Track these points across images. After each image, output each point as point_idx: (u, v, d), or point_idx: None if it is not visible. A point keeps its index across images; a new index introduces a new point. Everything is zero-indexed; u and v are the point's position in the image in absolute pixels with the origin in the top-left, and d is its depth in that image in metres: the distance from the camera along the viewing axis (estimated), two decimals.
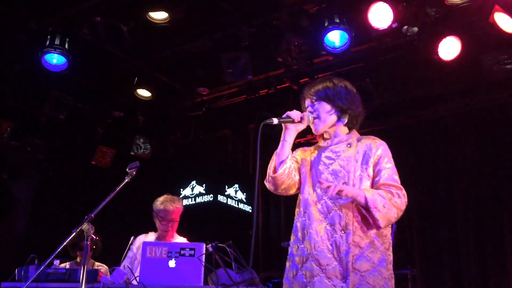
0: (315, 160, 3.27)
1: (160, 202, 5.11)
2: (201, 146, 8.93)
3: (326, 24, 5.90)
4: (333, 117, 3.26)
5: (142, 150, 8.31)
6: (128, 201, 7.74)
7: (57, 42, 6.31)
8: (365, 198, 2.97)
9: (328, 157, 3.22)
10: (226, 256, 3.77)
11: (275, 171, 3.19)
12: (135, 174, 3.66)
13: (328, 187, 2.97)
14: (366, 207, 2.98)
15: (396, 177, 3.15)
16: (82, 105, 7.68)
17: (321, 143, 3.35)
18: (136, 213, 8.41)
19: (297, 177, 3.27)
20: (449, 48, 5.95)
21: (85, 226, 3.38)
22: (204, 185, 8.19)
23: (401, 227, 6.75)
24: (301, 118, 3.19)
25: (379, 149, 3.19)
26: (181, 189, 8.53)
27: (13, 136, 7.73)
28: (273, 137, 3.56)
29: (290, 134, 3.21)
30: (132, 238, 4.94)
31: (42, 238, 7.47)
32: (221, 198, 8.05)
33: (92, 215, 3.42)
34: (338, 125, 3.29)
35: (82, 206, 4.92)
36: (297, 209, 3.27)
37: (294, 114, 3.18)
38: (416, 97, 6.88)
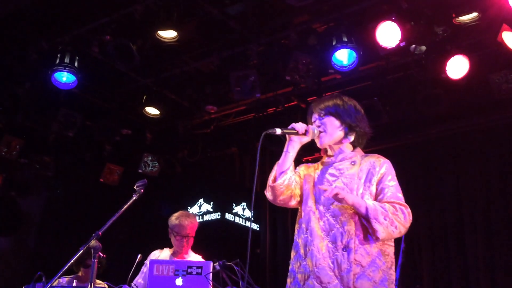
0: (318, 176, 3.27)
1: (175, 217, 5.15)
2: (209, 164, 8.93)
3: (334, 43, 5.92)
4: (340, 133, 3.27)
5: (150, 168, 8.33)
6: (135, 218, 7.74)
7: (67, 60, 6.37)
8: (366, 208, 2.96)
9: (331, 174, 3.22)
10: (233, 274, 3.75)
11: (274, 180, 3.18)
12: (142, 191, 3.66)
13: (336, 194, 2.96)
14: (367, 217, 2.97)
15: (400, 195, 3.13)
16: (90, 122, 7.72)
17: (325, 159, 3.35)
18: (143, 231, 8.41)
19: (298, 190, 3.26)
20: (457, 67, 5.95)
21: (92, 243, 3.38)
22: (211, 203, 8.19)
23: (409, 245, 6.71)
24: (306, 131, 3.19)
25: (383, 167, 3.18)
26: (189, 207, 8.53)
27: (22, 153, 7.78)
28: (275, 155, 3.54)
29: (293, 146, 3.20)
30: (139, 256, 4.93)
31: (50, 255, 7.47)
32: (228, 216, 8.04)
33: (100, 233, 3.42)
34: (344, 142, 3.30)
35: (90, 224, 4.91)
36: (297, 226, 3.26)
37: (299, 126, 3.18)
38: (424, 115, 6.87)
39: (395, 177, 3.18)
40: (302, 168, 3.39)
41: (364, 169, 3.18)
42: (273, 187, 3.17)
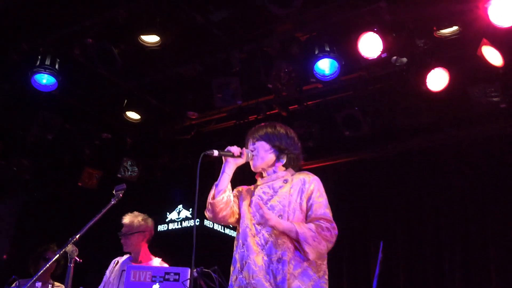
0: (254, 195, 3.50)
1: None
2: (189, 170, 8.89)
3: (316, 52, 5.95)
4: (271, 156, 3.52)
5: (129, 173, 8.28)
6: (113, 223, 7.67)
7: (47, 62, 6.30)
8: (297, 233, 3.18)
9: (265, 193, 3.46)
10: (211, 281, 3.74)
11: (213, 198, 3.42)
12: (121, 196, 3.65)
13: (267, 219, 3.19)
14: (297, 241, 3.20)
15: (328, 211, 3.37)
16: (70, 126, 7.65)
17: (259, 181, 3.59)
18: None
19: (235, 208, 3.51)
20: (437, 80, 6.01)
21: (69, 248, 3.35)
22: (190, 209, 8.16)
23: (387, 255, 6.75)
24: (241, 153, 3.45)
25: (312, 184, 3.42)
26: (168, 213, 8.49)
27: None
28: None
29: (229, 167, 3.49)
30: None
31: (26, 259, 7.38)
32: (207, 222, 8.01)
33: (77, 237, 3.40)
34: (277, 164, 3.54)
35: (67, 228, 4.88)
36: (235, 242, 3.51)
37: (234, 149, 3.47)
38: (404, 127, 6.92)
39: (324, 194, 3.43)
40: (239, 189, 3.64)
41: (295, 186, 3.42)
42: (212, 203, 3.41)
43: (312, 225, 3.23)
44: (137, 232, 5.10)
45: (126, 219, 5.15)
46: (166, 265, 5.15)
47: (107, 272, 5.11)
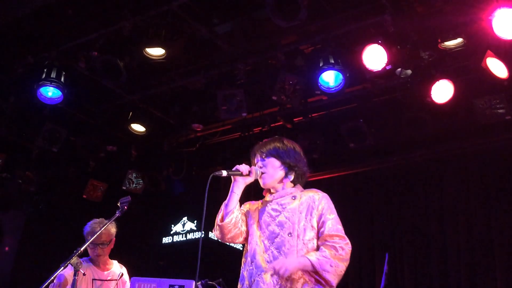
0: (262, 212, 3.46)
1: (89, 225, 4.98)
2: (194, 183, 8.90)
3: (321, 64, 5.95)
4: (281, 173, 3.47)
5: (134, 185, 8.28)
6: (118, 235, 7.66)
7: (53, 75, 6.33)
8: (312, 265, 3.15)
9: (274, 209, 3.41)
10: None
11: (222, 220, 3.37)
12: (126, 208, 3.65)
13: (275, 272, 3.13)
14: (316, 272, 3.16)
15: (340, 227, 3.34)
16: (75, 138, 7.66)
17: (268, 197, 3.54)
18: (125, 248, 8.33)
19: (244, 228, 3.45)
20: (442, 91, 6.01)
21: (73, 260, 3.35)
22: (195, 221, 8.14)
23: (392, 267, 6.72)
24: (249, 172, 3.40)
25: (322, 201, 3.38)
26: (172, 225, 8.47)
27: (4, 167, 7.69)
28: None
29: (238, 186, 3.42)
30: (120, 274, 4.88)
31: (31, 271, 7.37)
32: (212, 235, 7.97)
33: (81, 250, 3.40)
34: (285, 181, 3.49)
35: (72, 240, 4.86)
36: (243, 259, 3.45)
37: (243, 167, 3.40)
38: (409, 138, 6.92)
39: (334, 210, 3.39)
40: (247, 206, 3.59)
41: (304, 203, 3.38)
42: (221, 226, 3.37)
43: (326, 251, 3.20)
44: (112, 240, 5.07)
45: (102, 227, 4.95)
46: (123, 268, 5.11)
47: (66, 275, 4.68)
